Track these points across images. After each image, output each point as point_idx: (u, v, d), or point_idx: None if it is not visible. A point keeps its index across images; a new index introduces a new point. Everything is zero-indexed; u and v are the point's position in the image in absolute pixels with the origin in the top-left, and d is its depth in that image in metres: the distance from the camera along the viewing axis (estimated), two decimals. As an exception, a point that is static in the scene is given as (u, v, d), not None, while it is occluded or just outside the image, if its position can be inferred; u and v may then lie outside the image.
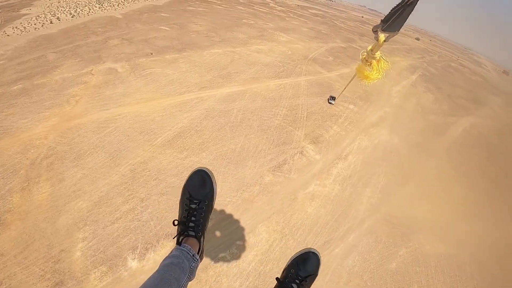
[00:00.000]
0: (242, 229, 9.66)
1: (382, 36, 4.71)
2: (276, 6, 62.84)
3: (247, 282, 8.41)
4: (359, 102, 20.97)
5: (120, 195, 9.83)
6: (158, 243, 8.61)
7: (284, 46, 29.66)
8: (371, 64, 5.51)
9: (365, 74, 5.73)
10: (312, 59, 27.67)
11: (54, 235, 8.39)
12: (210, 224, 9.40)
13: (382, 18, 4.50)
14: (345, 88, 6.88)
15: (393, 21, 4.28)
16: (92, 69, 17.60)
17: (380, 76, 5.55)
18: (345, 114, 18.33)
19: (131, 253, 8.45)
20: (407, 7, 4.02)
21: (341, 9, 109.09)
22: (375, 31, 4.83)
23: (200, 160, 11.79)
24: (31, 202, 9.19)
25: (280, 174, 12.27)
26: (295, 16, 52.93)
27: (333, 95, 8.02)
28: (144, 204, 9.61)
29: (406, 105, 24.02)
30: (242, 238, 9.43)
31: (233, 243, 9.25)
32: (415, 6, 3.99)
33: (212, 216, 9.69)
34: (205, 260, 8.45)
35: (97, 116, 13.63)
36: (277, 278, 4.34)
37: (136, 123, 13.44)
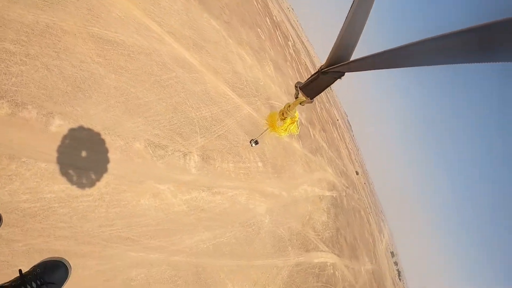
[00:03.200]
0: (73, 158, 8.79)
1: (300, 98, 4.75)
2: (291, 47, 63.89)
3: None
4: (269, 168, 21.09)
5: (16, 33, 8.39)
6: (0, 99, 7.61)
7: (263, 76, 29.66)
8: (284, 119, 5.42)
9: (273, 123, 5.62)
10: (271, 104, 27.72)
11: None
12: (54, 129, 8.48)
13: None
14: (263, 133, 6.80)
15: (309, 84, 4.47)
16: None
17: (283, 134, 5.48)
18: (249, 164, 18.22)
19: None
20: (321, 75, 4.09)
21: (331, 100, 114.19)
22: (296, 86, 4.94)
23: (105, 77, 10.75)
24: None
25: (151, 152, 11.49)
26: (295, 68, 53.99)
27: (258, 140, 7.91)
28: (25, 59, 8.28)
29: (300, 205, 24.61)
30: (63, 165, 8.57)
31: (54, 162, 8.35)
32: (331, 83, 4.17)
33: (62, 124, 8.76)
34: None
35: None
36: (20, 270, 4.13)
37: (94, 0, 12.33)
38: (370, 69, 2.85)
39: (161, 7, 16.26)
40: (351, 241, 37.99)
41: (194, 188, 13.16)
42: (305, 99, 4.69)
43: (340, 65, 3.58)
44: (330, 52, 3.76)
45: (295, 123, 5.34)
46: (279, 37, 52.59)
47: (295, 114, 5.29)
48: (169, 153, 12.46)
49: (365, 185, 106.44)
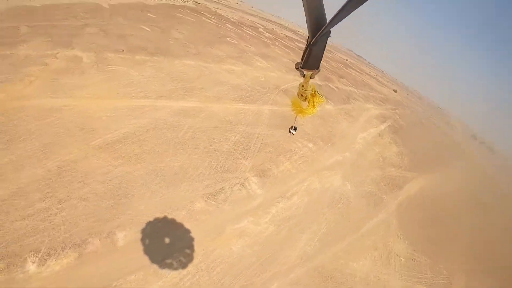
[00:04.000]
0: (155, 254, 8.85)
1: (308, 73, 4.64)
2: (264, 32, 63.41)
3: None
4: (319, 142, 20.59)
5: (39, 191, 8.98)
6: (63, 251, 7.75)
7: (259, 72, 29.34)
8: (306, 98, 5.33)
9: (300, 108, 5.53)
10: (283, 90, 27.35)
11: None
12: (122, 242, 8.58)
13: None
14: (296, 118, 6.76)
15: (307, 60, 4.42)
16: (58, 53, 16.85)
17: (315, 111, 5.35)
18: (301, 152, 17.83)
19: (32, 255, 7.54)
20: (313, 47, 4.05)
21: (329, 49, 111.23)
22: (297, 68, 4.87)
23: (133, 172, 10.96)
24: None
25: (213, 203, 11.48)
26: (280, 46, 53.33)
27: (296, 125, 7.97)
28: (60, 206, 8.74)
29: (367, 153, 23.80)
30: (152, 264, 8.62)
31: (142, 267, 8.44)
32: (325, 45, 4.15)
33: (126, 234, 8.84)
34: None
35: (44, 102, 12.77)
36: None
37: (80, 118, 12.59)
38: (347, 15, 3.06)
39: (135, 83, 16.42)
40: (431, 152, 36.58)
41: (269, 205, 12.97)
42: (312, 72, 4.72)
43: (323, 30, 3.69)
44: (308, 25, 3.96)
45: (316, 94, 5.28)
46: (248, 32, 52.10)
47: (312, 88, 5.23)
48: (229, 192, 12.38)
49: (409, 95, 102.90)
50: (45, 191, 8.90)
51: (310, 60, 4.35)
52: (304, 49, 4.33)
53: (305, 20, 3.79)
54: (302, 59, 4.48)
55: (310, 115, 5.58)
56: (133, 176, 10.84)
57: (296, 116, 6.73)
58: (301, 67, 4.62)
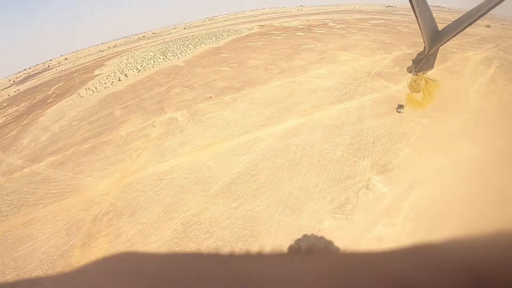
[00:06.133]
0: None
1: (420, 74, 5.01)
2: (335, 24, 61.01)
3: None
4: (432, 113, 18.24)
5: (170, 251, 9.43)
6: None
7: (346, 66, 27.80)
8: (419, 90, 5.71)
9: (417, 101, 5.66)
10: (376, 73, 25.36)
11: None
12: None
13: (413, 59, 5.16)
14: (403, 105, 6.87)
15: (423, 65, 4.84)
16: (154, 121, 18.11)
17: (432, 100, 5.66)
18: (417, 132, 15.80)
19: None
20: (431, 56, 5.25)
21: (403, 13, 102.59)
22: (410, 71, 5.41)
23: (254, 208, 10.78)
24: (89, 257, 9.27)
25: (342, 216, 10.57)
26: (355, 31, 50.63)
27: (401, 103, 7.48)
28: None
29: (487, 107, 20.49)
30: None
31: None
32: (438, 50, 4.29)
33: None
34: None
35: (155, 169, 13.58)
36: None
37: (192, 173, 13.05)
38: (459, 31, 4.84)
39: (232, 122, 16.62)
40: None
41: (400, 201, 11.73)
42: (424, 73, 5.27)
43: (443, 43, 4.49)
44: (424, 38, 4.35)
45: (429, 81, 5.57)
46: (320, 31, 51.03)
47: (425, 78, 5.52)
48: (355, 200, 11.55)
49: (504, 24, 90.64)
50: (176, 250, 9.30)
51: (425, 63, 5.05)
52: (417, 56, 4.82)
53: (421, 33, 4.46)
54: (414, 62, 5.07)
55: (430, 103, 5.94)
56: (255, 213, 10.75)
57: (401, 108, 6.74)
58: (417, 71, 5.39)
